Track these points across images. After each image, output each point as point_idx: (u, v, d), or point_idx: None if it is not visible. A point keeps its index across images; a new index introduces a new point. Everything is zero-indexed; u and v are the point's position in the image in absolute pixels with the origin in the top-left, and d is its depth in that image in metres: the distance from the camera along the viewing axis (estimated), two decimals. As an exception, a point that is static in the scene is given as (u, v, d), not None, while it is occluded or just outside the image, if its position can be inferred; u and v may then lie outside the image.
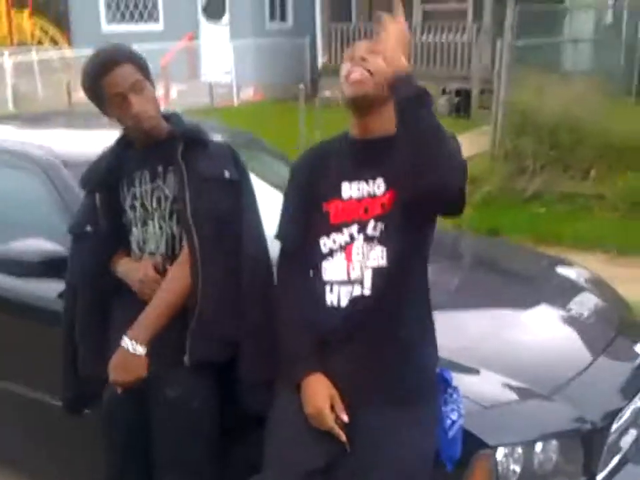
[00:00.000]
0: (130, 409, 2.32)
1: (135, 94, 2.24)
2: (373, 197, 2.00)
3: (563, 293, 3.25)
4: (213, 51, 15.77)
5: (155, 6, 16.57)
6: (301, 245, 2.10)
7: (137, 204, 2.35)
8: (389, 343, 2.01)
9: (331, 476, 2.00)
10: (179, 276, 2.22)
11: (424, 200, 1.88)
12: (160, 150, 2.33)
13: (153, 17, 16.70)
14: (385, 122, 1.99)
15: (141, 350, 2.15)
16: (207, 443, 2.31)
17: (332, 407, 1.99)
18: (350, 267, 2.01)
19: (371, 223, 2.00)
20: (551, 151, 7.03)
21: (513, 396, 2.35)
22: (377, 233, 1.98)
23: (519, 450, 2.21)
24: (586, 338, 2.85)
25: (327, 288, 2.04)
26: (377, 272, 1.98)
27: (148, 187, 2.33)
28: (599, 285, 3.48)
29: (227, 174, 2.32)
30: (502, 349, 2.59)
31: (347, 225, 2.02)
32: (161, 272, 2.27)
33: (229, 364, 2.29)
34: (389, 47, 1.84)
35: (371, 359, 2.00)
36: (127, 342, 2.16)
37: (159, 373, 2.21)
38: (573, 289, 3.29)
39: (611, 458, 2.48)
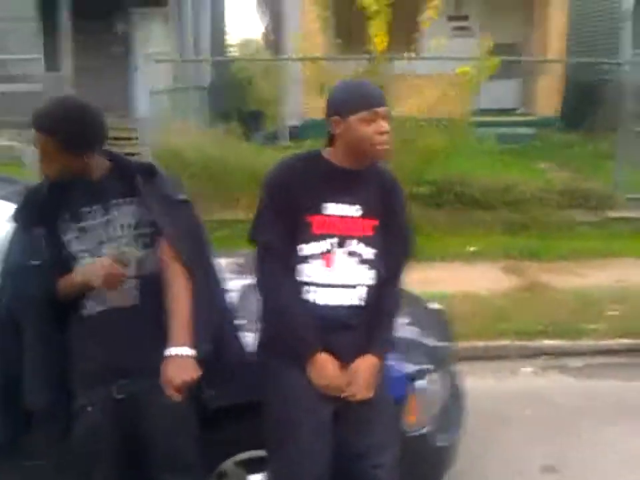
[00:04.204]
0: (114, 429, 2.41)
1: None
2: (352, 217, 2.40)
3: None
4: None
5: None
6: (280, 247, 2.40)
7: (87, 237, 2.45)
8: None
9: (340, 422, 2.42)
10: (183, 283, 2.41)
11: None
12: (110, 185, 2.49)
13: None
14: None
15: (190, 351, 2.29)
16: (194, 436, 2.51)
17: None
18: (331, 274, 2.38)
19: (353, 241, 2.40)
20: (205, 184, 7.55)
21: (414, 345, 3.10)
22: (370, 256, 2.41)
23: (426, 380, 2.94)
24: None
25: (305, 288, 2.38)
26: (369, 288, 2.42)
27: (103, 219, 2.46)
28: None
29: (181, 195, 2.59)
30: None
31: (328, 236, 2.38)
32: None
33: None
34: None
35: (357, 337, 2.42)
36: (174, 350, 2.28)
37: (156, 382, 2.29)
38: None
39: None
